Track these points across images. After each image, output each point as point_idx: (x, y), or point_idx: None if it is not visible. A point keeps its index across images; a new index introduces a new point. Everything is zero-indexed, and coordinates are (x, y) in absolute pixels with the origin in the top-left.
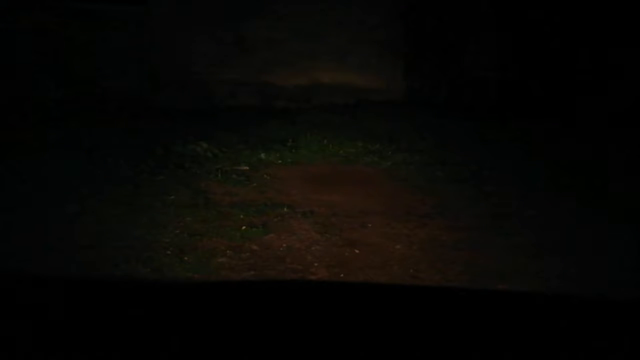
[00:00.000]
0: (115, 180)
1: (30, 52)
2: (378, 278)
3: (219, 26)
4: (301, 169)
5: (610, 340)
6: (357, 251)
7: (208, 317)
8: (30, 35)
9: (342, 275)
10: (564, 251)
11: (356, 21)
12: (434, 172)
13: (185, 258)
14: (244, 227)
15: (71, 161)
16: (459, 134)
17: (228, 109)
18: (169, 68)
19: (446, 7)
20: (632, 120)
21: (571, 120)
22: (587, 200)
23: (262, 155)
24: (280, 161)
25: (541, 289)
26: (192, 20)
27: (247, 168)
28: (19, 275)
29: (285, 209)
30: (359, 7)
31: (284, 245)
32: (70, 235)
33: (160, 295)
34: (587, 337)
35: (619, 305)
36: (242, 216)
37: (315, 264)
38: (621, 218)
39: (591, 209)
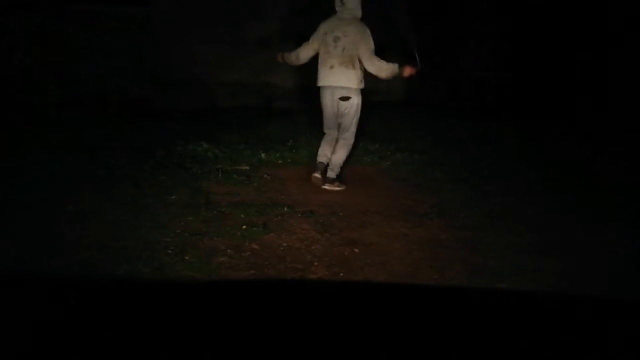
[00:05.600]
0: (116, 180)
1: (31, 53)
2: (377, 277)
3: (219, 27)
4: (301, 169)
5: (610, 340)
6: (356, 250)
7: (209, 316)
8: (31, 36)
9: (341, 274)
10: (563, 250)
11: None
12: (433, 172)
13: (186, 257)
14: (244, 227)
15: (72, 161)
16: (458, 133)
17: (228, 109)
18: (170, 68)
19: (445, 7)
20: (631, 120)
21: (570, 120)
22: (586, 200)
23: (262, 155)
24: (280, 161)
25: (540, 288)
26: (192, 21)
27: (248, 168)
28: (19, 275)
29: (285, 209)
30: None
31: (284, 244)
32: (71, 235)
33: (161, 294)
34: (587, 336)
35: (619, 305)
36: (242, 216)
37: (315, 263)
38: (621, 218)
39: (591, 209)
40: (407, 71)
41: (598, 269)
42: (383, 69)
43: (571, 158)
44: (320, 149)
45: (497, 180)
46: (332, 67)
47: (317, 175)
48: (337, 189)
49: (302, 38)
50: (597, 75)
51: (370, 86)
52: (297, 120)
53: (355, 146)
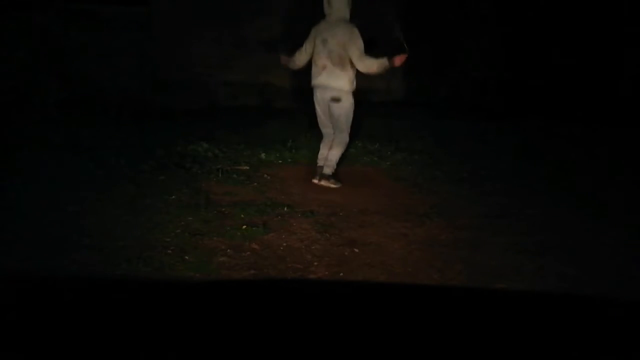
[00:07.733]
0: (116, 180)
1: (31, 53)
2: (377, 277)
3: (219, 27)
4: (301, 169)
5: (611, 340)
6: (356, 250)
7: (209, 316)
8: (31, 36)
9: (341, 274)
10: (563, 251)
11: None
12: (433, 172)
13: (186, 257)
14: (244, 227)
15: (72, 161)
16: (458, 133)
17: (228, 109)
18: (170, 68)
19: (445, 8)
20: (631, 120)
21: (570, 119)
22: (586, 200)
23: (262, 155)
24: (280, 161)
25: (540, 288)
26: (192, 21)
27: (248, 168)
28: (19, 275)
29: (285, 209)
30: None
31: (284, 244)
32: (71, 235)
33: (161, 294)
34: (586, 337)
35: (618, 305)
36: (242, 216)
37: (315, 263)
38: (620, 217)
39: (590, 209)
40: (397, 61)
41: (598, 269)
42: (374, 67)
43: (571, 158)
44: (320, 152)
45: (497, 180)
46: (324, 67)
47: (316, 181)
48: (333, 186)
49: (302, 38)
50: (596, 74)
51: (370, 86)
52: (297, 120)
53: (355, 146)
